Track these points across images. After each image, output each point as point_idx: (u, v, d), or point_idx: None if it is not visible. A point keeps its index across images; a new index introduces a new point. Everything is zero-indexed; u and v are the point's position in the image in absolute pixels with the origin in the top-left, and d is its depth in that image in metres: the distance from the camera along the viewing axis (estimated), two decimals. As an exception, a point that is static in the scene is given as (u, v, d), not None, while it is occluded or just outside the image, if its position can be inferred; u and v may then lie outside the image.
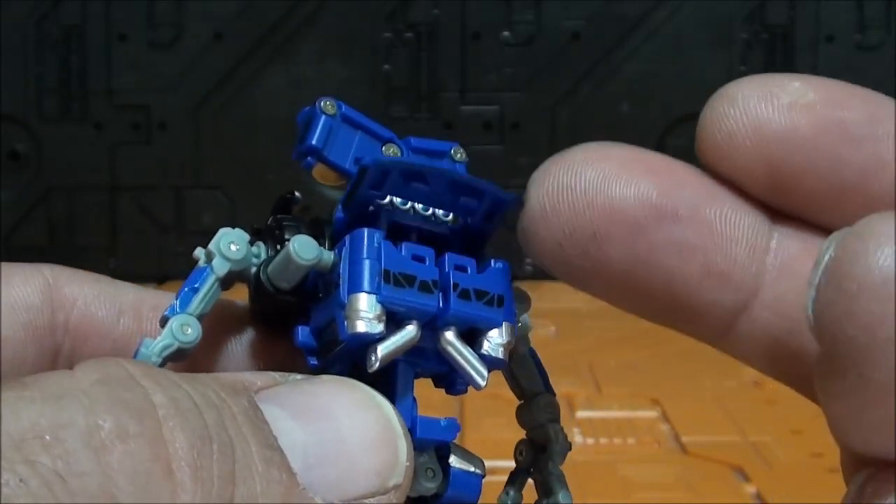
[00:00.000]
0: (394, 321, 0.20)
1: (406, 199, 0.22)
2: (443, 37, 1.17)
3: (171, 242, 1.18)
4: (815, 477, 0.60)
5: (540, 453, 0.25)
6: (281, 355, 0.24)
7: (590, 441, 0.68)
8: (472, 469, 0.22)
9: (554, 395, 0.25)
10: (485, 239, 0.23)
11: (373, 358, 0.20)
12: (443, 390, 0.23)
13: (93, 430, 0.16)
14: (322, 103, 0.22)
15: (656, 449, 0.67)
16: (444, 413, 0.22)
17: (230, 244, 0.22)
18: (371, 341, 0.20)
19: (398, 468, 0.19)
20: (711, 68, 1.12)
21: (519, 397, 0.25)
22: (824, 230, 0.21)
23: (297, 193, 0.23)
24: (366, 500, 0.19)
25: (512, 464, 0.25)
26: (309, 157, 0.22)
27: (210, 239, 0.22)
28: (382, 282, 0.20)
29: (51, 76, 1.18)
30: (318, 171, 0.22)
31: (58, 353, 0.24)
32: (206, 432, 0.17)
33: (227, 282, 0.22)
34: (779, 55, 1.15)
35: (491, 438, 0.62)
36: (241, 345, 0.24)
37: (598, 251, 0.21)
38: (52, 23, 1.18)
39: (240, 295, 0.24)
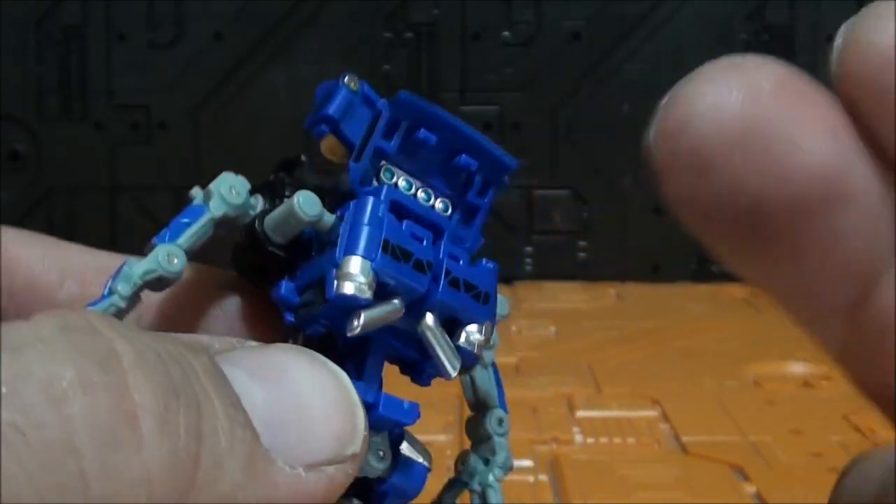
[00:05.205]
0: (381, 293, 0.20)
1: (408, 153, 0.22)
2: (443, 37, 1.17)
3: (171, 242, 1.18)
4: (815, 477, 0.60)
5: (482, 466, 0.24)
6: (264, 321, 0.23)
7: (590, 441, 0.68)
8: (420, 460, 0.22)
9: (507, 412, 0.25)
10: (477, 220, 0.23)
11: (355, 322, 0.20)
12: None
13: (53, 381, 0.15)
14: (346, 78, 0.22)
15: (656, 449, 0.67)
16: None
17: (231, 188, 0.22)
18: (356, 306, 0.20)
19: (357, 436, 0.19)
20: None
21: (472, 407, 0.25)
22: None
23: (303, 157, 0.23)
24: (325, 468, 0.18)
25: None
26: (323, 126, 0.22)
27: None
28: (380, 251, 0.20)
29: (51, 76, 1.18)
30: (327, 144, 0.22)
31: (1, 318, 0.23)
32: (171, 386, 0.16)
33: (220, 225, 0.22)
34: (779, 55, 1.15)
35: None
36: (223, 309, 0.24)
37: (750, 221, 0.16)
38: (52, 23, 1.18)
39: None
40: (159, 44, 1.18)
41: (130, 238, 1.19)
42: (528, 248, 1.16)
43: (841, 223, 0.16)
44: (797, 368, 0.80)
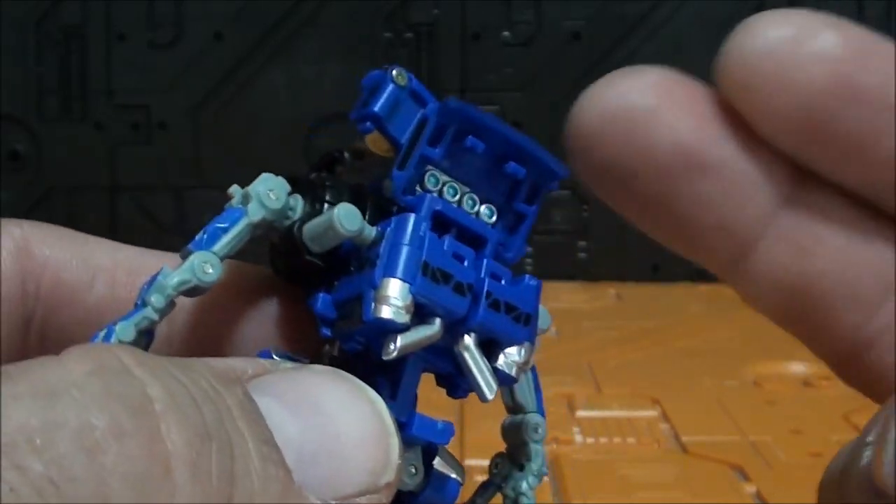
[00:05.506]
0: (419, 315, 0.20)
1: (455, 160, 0.22)
2: (443, 37, 1.17)
3: (171, 242, 1.17)
4: (815, 477, 0.60)
5: (516, 471, 0.24)
6: (300, 323, 0.23)
7: (590, 441, 0.68)
8: (453, 475, 0.22)
9: (544, 417, 0.24)
10: (523, 228, 0.23)
11: (391, 346, 0.20)
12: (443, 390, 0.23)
13: (86, 430, 0.15)
14: (394, 72, 0.21)
15: (656, 449, 0.67)
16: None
17: (269, 192, 0.21)
18: (392, 329, 0.20)
19: (390, 466, 0.19)
20: (711, 68, 1.11)
21: (509, 410, 0.25)
22: (839, 196, 0.21)
23: (346, 154, 0.23)
24: (358, 499, 0.18)
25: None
26: (368, 123, 0.21)
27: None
28: (420, 273, 0.20)
29: (51, 76, 1.18)
30: (372, 139, 0.21)
31: (29, 322, 0.23)
32: (204, 429, 0.16)
33: (257, 228, 0.21)
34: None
35: (490, 439, 0.62)
36: (258, 311, 0.24)
37: (628, 184, 0.21)
38: (52, 23, 1.18)
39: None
40: (159, 44, 1.18)
41: (130, 238, 1.19)
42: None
43: (704, 189, 0.21)
44: (797, 368, 0.80)
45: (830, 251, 0.21)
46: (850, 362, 0.22)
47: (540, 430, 0.24)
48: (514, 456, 0.24)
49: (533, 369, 0.24)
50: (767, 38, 0.20)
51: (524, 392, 0.24)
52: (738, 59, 0.20)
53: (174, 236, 1.18)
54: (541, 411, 0.24)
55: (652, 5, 1.16)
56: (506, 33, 1.17)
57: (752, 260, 0.22)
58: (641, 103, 0.21)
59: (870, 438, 0.19)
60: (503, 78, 1.17)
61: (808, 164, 0.21)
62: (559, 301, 1.07)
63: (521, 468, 0.24)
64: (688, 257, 0.23)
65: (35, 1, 1.17)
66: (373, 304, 0.20)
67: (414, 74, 0.22)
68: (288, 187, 0.21)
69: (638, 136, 0.20)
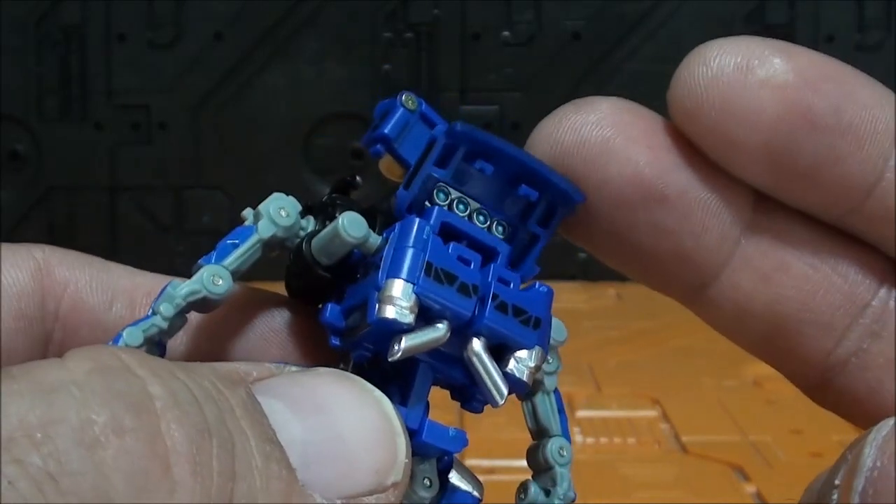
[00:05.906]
0: (425, 318, 0.20)
1: (464, 182, 0.22)
2: (443, 37, 1.17)
3: (171, 242, 1.18)
4: (814, 477, 0.60)
5: (543, 497, 0.24)
6: (318, 341, 0.23)
7: (590, 441, 0.68)
8: (470, 489, 0.22)
9: (569, 440, 0.24)
10: (535, 249, 0.22)
11: (396, 347, 0.19)
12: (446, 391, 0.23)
13: (85, 426, 0.15)
14: (403, 97, 0.21)
15: (656, 449, 0.67)
16: (442, 412, 0.22)
17: (280, 209, 0.21)
18: (398, 330, 0.20)
19: (397, 466, 0.19)
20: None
21: (533, 435, 0.24)
22: (803, 220, 0.21)
23: (358, 178, 0.23)
24: (364, 499, 0.18)
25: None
26: (378, 146, 0.21)
27: (212, 239, 0.22)
28: (423, 273, 0.20)
29: (51, 76, 1.18)
30: (385, 164, 0.22)
31: (48, 341, 0.23)
32: (205, 426, 0.16)
33: (269, 246, 0.21)
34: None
35: (491, 438, 0.62)
36: (276, 330, 0.24)
37: (585, 216, 0.21)
38: (52, 23, 1.18)
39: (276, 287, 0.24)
40: (159, 44, 1.18)
41: (130, 238, 1.19)
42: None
43: (661, 219, 0.21)
44: (797, 368, 0.79)
45: (795, 277, 0.21)
46: (821, 387, 0.22)
47: (565, 453, 0.23)
48: (540, 481, 0.24)
49: (556, 393, 0.24)
50: (715, 66, 0.20)
51: (547, 415, 0.24)
52: (686, 87, 0.20)
53: (174, 236, 1.18)
54: (566, 435, 0.24)
55: (652, 5, 1.16)
56: (506, 33, 1.17)
57: (716, 288, 0.22)
58: (595, 136, 0.20)
59: (837, 481, 0.19)
60: (503, 78, 1.17)
61: (767, 191, 0.21)
62: (559, 301, 1.06)
63: (547, 493, 0.23)
64: (647, 286, 0.23)
65: (35, 1, 1.17)
66: (377, 305, 0.19)
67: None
68: (299, 206, 0.22)
69: (593, 170, 0.21)
